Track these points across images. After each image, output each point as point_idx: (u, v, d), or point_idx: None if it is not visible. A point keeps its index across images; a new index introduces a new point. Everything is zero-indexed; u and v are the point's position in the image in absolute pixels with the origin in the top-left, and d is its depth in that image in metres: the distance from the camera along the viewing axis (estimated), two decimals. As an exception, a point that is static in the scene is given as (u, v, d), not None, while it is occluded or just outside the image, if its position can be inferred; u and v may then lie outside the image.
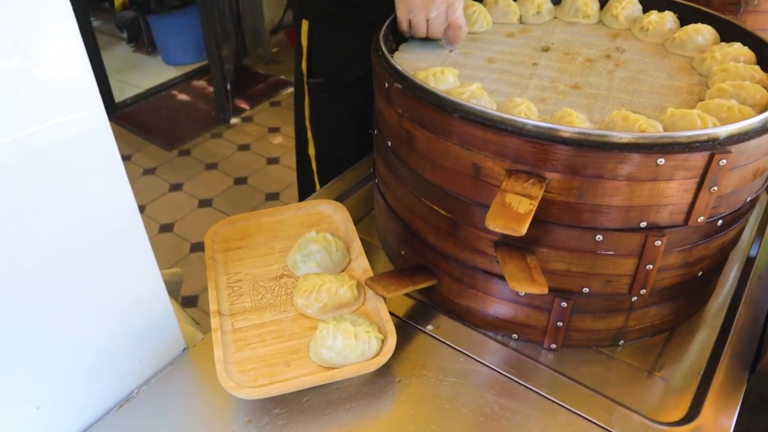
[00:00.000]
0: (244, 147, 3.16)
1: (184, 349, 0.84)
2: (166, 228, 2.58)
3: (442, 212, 0.81)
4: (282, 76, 3.82)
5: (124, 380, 0.77)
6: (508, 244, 0.76)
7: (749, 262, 1.03)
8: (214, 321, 0.80)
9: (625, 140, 0.68)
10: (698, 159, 0.68)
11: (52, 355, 0.68)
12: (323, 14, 1.32)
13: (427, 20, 0.97)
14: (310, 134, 1.47)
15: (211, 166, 3.00)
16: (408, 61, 0.96)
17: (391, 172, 0.89)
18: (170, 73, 3.85)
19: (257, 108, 3.51)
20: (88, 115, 0.62)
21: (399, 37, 1.03)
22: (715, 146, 0.69)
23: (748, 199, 0.79)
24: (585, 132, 0.68)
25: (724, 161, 0.69)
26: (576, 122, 0.73)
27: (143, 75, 3.85)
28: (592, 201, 0.71)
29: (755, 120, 0.72)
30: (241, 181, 2.90)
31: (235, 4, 3.77)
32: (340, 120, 1.40)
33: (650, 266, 0.76)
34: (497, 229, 0.64)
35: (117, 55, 4.11)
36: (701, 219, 0.74)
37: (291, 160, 2.99)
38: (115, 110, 3.50)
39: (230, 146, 3.17)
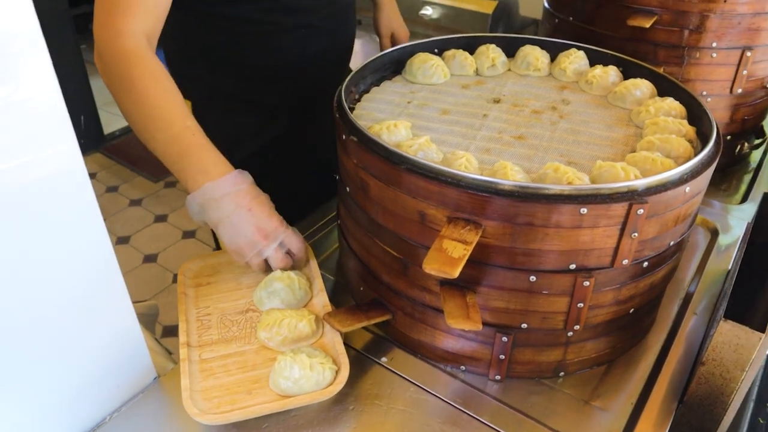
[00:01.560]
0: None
1: (155, 378, 0.90)
2: (150, 258, 2.63)
3: (394, 253, 0.89)
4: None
5: (96, 407, 0.83)
6: (451, 283, 0.84)
7: (687, 298, 1.11)
8: (183, 352, 0.86)
9: (552, 192, 0.76)
10: (618, 209, 0.77)
11: (27, 384, 0.74)
12: (205, 94, 1.28)
13: (266, 260, 0.97)
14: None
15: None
16: (369, 112, 1.05)
17: (350, 215, 0.97)
18: (159, 105, 3.93)
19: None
20: (61, 153, 0.68)
21: (362, 89, 1.12)
22: (633, 197, 0.77)
23: (672, 243, 0.87)
24: (516, 185, 0.76)
25: (642, 210, 0.77)
26: (510, 175, 0.81)
27: (132, 107, 3.92)
28: (524, 246, 0.79)
29: (672, 173, 0.81)
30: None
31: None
32: None
33: (581, 304, 0.84)
34: (432, 273, 0.71)
35: (102, 86, 4.19)
36: (626, 262, 0.82)
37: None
38: (104, 142, 3.57)
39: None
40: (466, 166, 0.84)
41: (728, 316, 0.82)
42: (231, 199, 0.93)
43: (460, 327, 0.77)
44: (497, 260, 0.80)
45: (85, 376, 0.80)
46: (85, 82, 3.41)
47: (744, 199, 1.40)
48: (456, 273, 0.71)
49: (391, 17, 1.63)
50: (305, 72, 1.29)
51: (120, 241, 2.70)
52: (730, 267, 1.15)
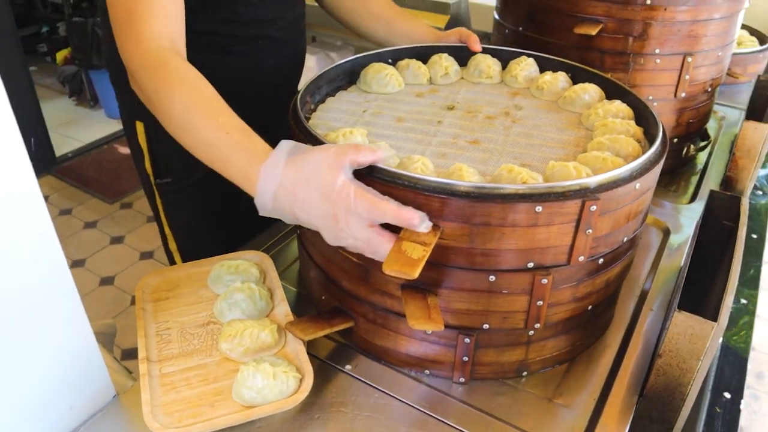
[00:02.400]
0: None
1: (114, 396, 0.88)
2: (107, 281, 2.58)
3: (354, 260, 0.89)
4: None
5: (55, 427, 0.81)
6: (411, 286, 0.84)
7: (643, 296, 1.14)
8: (142, 367, 0.85)
9: (507, 192, 0.78)
10: (572, 206, 0.78)
11: (-20, 406, 0.71)
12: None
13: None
14: (168, 231, 1.42)
15: (153, 219, 3.01)
16: (324, 121, 1.05)
17: (310, 223, 0.97)
18: (112, 126, 3.88)
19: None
20: (14, 174, 0.67)
21: (317, 99, 1.13)
22: (586, 194, 0.79)
23: (625, 239, 0.90)
24: (473, 185, 0.77)
25: (595, 207, 0.79)
26: (466, 176, 0.83)
27: (85, 129, 3.86)
28: (482, 246, 0.80)
29: (622, 170, 0.83)
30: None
31: (178, 59, 3.84)
32: (196, 216, 1.37)
33: (540, 302, 0.85)
34: (392, 274, 0.71)
35: (58, 108, 4.12)
36: (582, 258, 0.84)
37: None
38: (55, 164, 3.49)
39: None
40: (422, 169, 0.85)
41: (682, 309, 0.84)
42: (279, 191, 0.80)
43: (422, 328, 0.77)
44: (456, 261, 0.81)
45: (42, 395, 0.78)
46: (35, 104, 3.34)
47: (692, 199, 1.45)
48: (416, 274, 0.71)
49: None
50: (261, 84, 1.30)
51: (75, 265, 2.63)
52: (682, 263, 1.19)
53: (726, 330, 1.12)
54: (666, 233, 1.30)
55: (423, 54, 1.27)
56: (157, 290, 1.00)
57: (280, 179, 0.79)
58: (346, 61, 1.20)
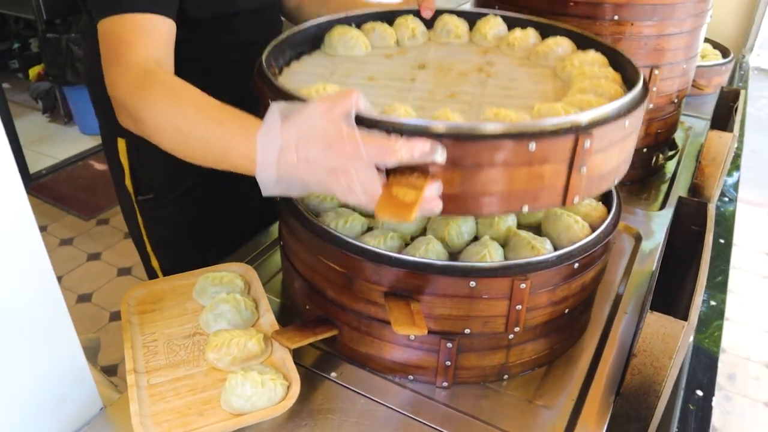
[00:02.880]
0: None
1: (102, 409, 0.89)
2: (85, 298, 2.55)
3: (338, 268, 0.91)
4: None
5: (40, 441, 0.81)
6: (395, 294, 0.87)
7: (618, 300, 1.18)
8: (130, 378, 0.86)
9: (498, 130, 0.74)
10: (566, 142, 0.77)
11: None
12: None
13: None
14: (150, 249, 1.43)
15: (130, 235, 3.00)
16: (291, 83, 1.01)
17: (292, 234, 0.99)
18: (87, 143, 3.85)
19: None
20: (4, 190, 0.68)
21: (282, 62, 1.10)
22: (579, 130, 0.77)
23: (616, 180, 0.91)
24: (462, 125, 0.74)
25: (589, 143, 0.78)
26: (452, 119, 0.84)
27: (59, 145, 3.83)
28: (473, 189, 0.77)
29: (612, 106, 0.82)
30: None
31: (153, 75, 3.84)
32: (177, 231, 1.38)
33: (519, 306, 0.88)
34: (386, 218, 0.70)
35: (32, 125, 4.08)
36: (577, 199, 0.82)
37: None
38: (30, 181, 3.46)
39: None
40: (406, 116, 0.85)
41: (654, 310, 0.88)
42: (281, 156, 0.76)
43: (406, 333, 0.80)
44: (448, 208, 0.77)
45: (29, 408, 0.79)
46: (8, 121, 3.31)
47: (662, 206, 1.50)
48: (412, 217, 0.69)
49: None
50: (248, 103, 1.31)
51: (51, 283, 2.59)
52: (654, 268, 1.23)
53: (697, 332, 1.17)
54: (638, 239, 1.35)
55: (388, 17, 1.25)
56: (142, 303, 1.01)
57: (280, 142, 0.74)
58: (309, 26, 1.15)
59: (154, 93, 0.89)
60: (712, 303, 1.24)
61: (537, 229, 1.04)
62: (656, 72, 1.42)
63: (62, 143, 3.85)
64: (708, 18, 1.54)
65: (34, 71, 4.19)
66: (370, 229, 1.00)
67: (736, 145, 1.73)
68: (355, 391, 0.94)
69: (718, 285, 1.31)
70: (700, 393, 1.03)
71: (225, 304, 0.95)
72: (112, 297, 2.58)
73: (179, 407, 0.83)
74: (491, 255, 0.90)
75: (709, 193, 1.53)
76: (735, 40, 2.75)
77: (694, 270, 1.00)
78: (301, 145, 0.74)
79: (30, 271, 0.74)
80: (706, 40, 2.47)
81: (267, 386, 0.82)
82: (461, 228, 0.97)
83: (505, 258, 0.94)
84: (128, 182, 1.34)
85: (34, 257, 0.74)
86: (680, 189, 1.56)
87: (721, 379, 2.26)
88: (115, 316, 2.46)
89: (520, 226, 1.03)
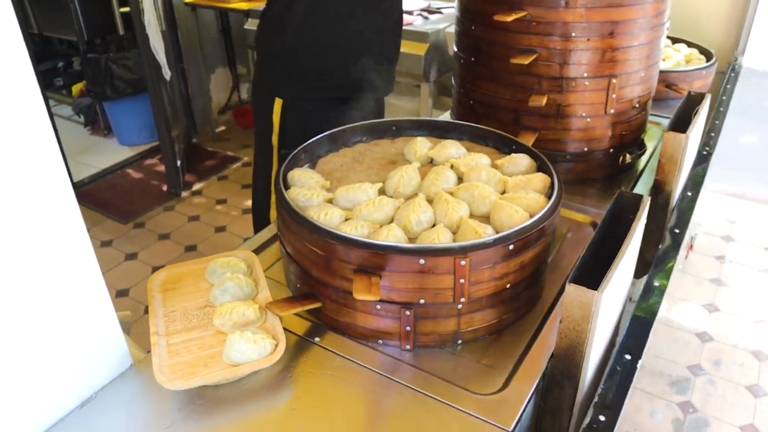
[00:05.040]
0: (194, 218, 3.45)
1: (131, 365, 1.12)
2: (123, 293, 2.82)
3: (319, 251, 1.13)
4: (229, 153, 4.15)
5: (84, 387, 1.05)
6: (361, 270, 1.08)
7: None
8: (153, 339, 1.09)
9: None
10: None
11: (33, 368, 0.95)
12: (297, 94, 1.68)
13: None
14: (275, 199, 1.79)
15: (164, 237, 3.27)
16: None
17: (286, 226, 1.21)
18: (125, 153, 4.16)
19: (206, 182, 3.82)
20: (59, 186, 0.92)
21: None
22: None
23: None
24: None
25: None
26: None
27: (100, 156, 4.14)
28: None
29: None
30: (191, 248, 3.18)
31: (185, 89, 4.13)
32: None
33: (462, 280, 1.08)
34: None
35: (74, 137, 4.40)
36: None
37: (237, 228, 3.29)
38: (73, 189, 3.76)
39: (181, 218, 3.46)
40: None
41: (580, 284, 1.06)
42: None
43: (363, 298, 1.01)
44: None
45: (77, 362, 1.02)
46: (54, 135, 3.61)
47: (624, 201, 1.67)
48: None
49: None
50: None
51: (93, 281, 2.87)
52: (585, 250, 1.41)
53: (637, 306, 1.35)
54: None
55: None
56: (164, 283, 1.24)
57: None
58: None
59: None
60: (656, 284, 1.42)
61: (487, 219, 1.24)
62: (614, 81, 1.61)
63: (102, 154, 4.16)
64: (665, 30, 1.72)
65: (76, 88, 4.53)
66: (347, 219, 1.22)
67: (698, 144, 1.90)
68: (334, 352, 1.15)
69: (667, 270, 1.48)
70: (628, 356, 1.21)
71: (230, 282, 1.18)
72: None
73: (190, 360, 1.05)
74: (440, 238, 1.11)
75: (670, 188, 1.70)
76: (728, 44, 2.88)
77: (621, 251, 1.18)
78: None
79: (76, 255, 0.97)
80: (693, 45, 2.62)
81: (258, 344, 1.04)
82: (420, 217, 1.17)
83: (454, 241, 1.15)
84: (274, 138, 1.72)
85: (79, 245, 0.97)
86: (643, 184, 1.74)
87: (706, 364, 2.40)
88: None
89: (472, 216, 1.23)
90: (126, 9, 3.10)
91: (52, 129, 0.91)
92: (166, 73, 3.25)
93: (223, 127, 4.47)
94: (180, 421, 1.02)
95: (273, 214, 1.85)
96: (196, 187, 3.77)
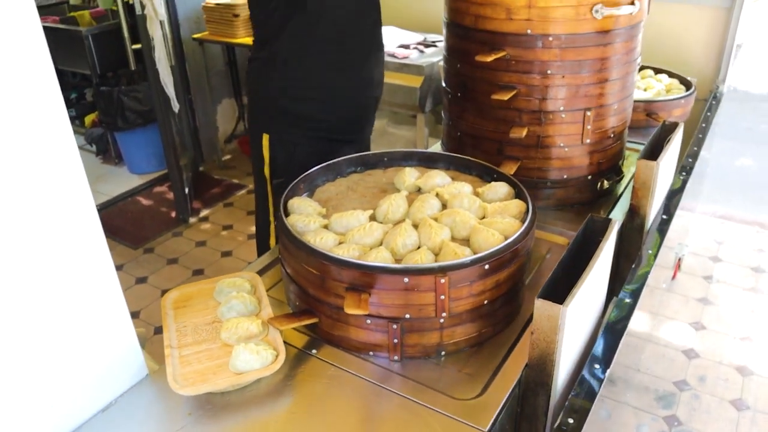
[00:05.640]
0: (201, 243, 3.60)
1: (147, 375, 1.25)
2: (133, 315, 2.96)
3: (315, 272, 1.26)
4: (235, 180, 4.31)
5: (106, 393, 1.17)
6: (352, 288, 1.21)
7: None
8: (167, 350, 1.22)
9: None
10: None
11: (60, 376, 1.08)
12: (282, 128, 1.82)
13: None
14: (272, 228, 1.94)
15: (172, 261, 3.41)
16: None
17: (286, 249, 1.34)
18: (135, 181, 4.32)
19: (213, 209, 3.97)
20: (82, 203, 1.06)
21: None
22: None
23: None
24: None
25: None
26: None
27: (111, 184, 4.30)
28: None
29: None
30: (198, 272, 3.32)
31: (192, 120, 4.30)
32: None
33: (443, 296, 1.21)
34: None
35: (87, 166, 4.50)
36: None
37: (243, 253, 3.43)
38: (85, 217, 3.91)
39: (189, 243, 3.60)
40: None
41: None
42: None
43: (352, 312, 1.14)
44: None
45: (98, 371, 1.15)
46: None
47: (601, 224, 1.80)
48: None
49: None
50: None
51: (105, 304, 3.01)
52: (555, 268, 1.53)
53: (609, 320, 1.47)
54: (573, 251, 1.65)
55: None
56: (176, 301, 1.37)
57: None
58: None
59: None
60: (627, 300, 1.54)
61: (467, 242, 1.37)
62: (589, 113, 1.75)
63: (113, 182, 4.32)
64: (637, 65, 1.87)
65: (89, 118, 4.71)
66: (341, 243, 1.35)
67: (674, 170, 2.03)
68: (329, 363, 1.28)
69: (636, 291, 1.60)
70: (597, 366, 1.33)
71: (235, 300, 1.31)
72: (157, 315, 2.98)
73: (200, 369, 1.18)
74: (422, 259, 1.24)
75: (644, 212, 1.83)
76: (710, 73, 3.03)
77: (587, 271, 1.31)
78: None
79: (98, 275, 1.11)
80: (674, 75, 2.77)
81: (261, 354, 1.17)
82: (406, 241, 1.31)
83: (436, 262, 1.28)
84: (266, 170, 1.86)
85: (100, 261, 1.11)
86: (620, 209, 1.87)
87: (692, 380, 2.51)
88: (159, 331, 2.85)
89: (454, 239, 1.36)
90: (138, 46, 3.27)
91: (79, 156, 1.05)
92: (175, 106, 3.41)
93: (229, 156, 4.63)
94: (190, 424, 1.14)
95: (272, 240, 1.98)
96: (203, 213, 3.92)
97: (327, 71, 1.80)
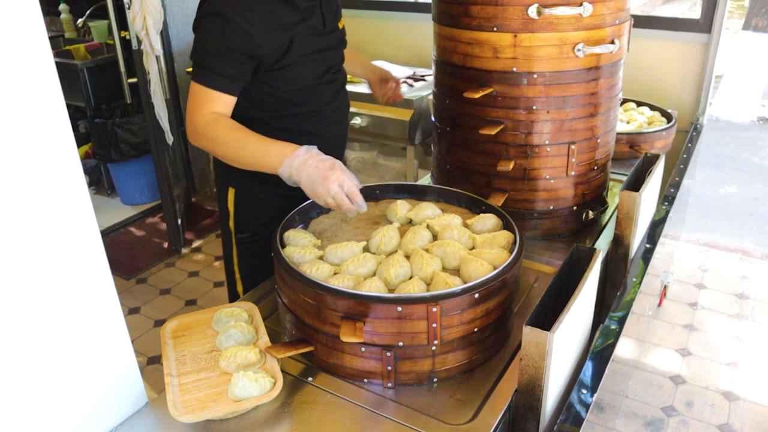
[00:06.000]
0: (194, 273, 3.62)
1: (146, 403, 1.28)
2: (126, 347, 2.97)
3: (311, 301, 1.30)
4: (228, 210, 4.35)
5: (107, 420, 1.20)
6: (347, 317, 1.25)
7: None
8: (167, 379, 1.25)
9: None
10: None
11: (65, 404, 1.12)
12: (247, 184, 1.81)
13: (333, 198, 1.45)
14: (238, 276, 1.94)
15: (165, 291, 3.43)
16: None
17: (282, 280, 1.39)
18: (128, 212, 4.35)
19: (205, 239, 4.01)
20: (87, 232, 1.10)
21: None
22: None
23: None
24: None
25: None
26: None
27: (104, 215, 4.33)
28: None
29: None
30: (191, 302, 3.34)
31: (185, 151, 4.35)
32: (263, 263, 1.73)
33: (435, 324, 1.26)
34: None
35: (78, 198, 4.58)
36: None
37: (236, 282, 3.46)
38: (77, 247, 3.94)
39: (182, 273, 3.63)
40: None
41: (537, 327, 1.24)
42: (303, 162, 1.46)
43: (348, 340, 1.18)
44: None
45: (98, 398, 1.18)
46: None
47: (586, 253, 1.86)
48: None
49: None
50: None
51: (97, 335, 3.03)
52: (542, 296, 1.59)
53: (595, 346, 1.51)
54: (560, 279, 1.71)
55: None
56: (176, 330, 1.41)
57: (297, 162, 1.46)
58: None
59: (221, 125, 1.56)
60: (612, 327, 1.59)
61: (457, 272, 1.42)
62: (573, 147, 1.82)
63: (106, 213, 4.35)
64: (618, 100, 1.95)
65: (82, 150, 4.75)
66: (335, 273, 1.40)
67: (656, 200, 2.10)
68: (325, 390, 1.32)
69: (622, 318, 1.65)
70: (584, 391, 1.38)
71: (233, 329, 1.35)
72: (150, 345, 2.99)
73: (200, 397, 1.22)
74: (414, 289, 1.29)
75: (628, 241, 1.89)
76: (690, 105, 3.13)
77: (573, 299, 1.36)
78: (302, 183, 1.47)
79: (101, 303, 1.15)
80: (656, 108, 2.87)
81: (259, 381, 1.21)
82: (398, 271, 1.36)
83: (427, 291, 1.32)
84: (231, 223, 1.86)
85: (103, 287, 1.15)
86: (605, 238, 1.93)
87: (679, 405, 2.55)
88: (152, 361, 2.87)
89: (444, 269, 1.41)
90: (134, 79, 3.34)
91: (86, 187, 1.10)
92: (169, 138, 3.47)
93: (221, 186, 4.69)
94: (190, 451, 1.18)
95: (239, 287, 1.96)
96: (196, 244, 3.96)
97: (291, 133, 1.74)
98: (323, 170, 1.43)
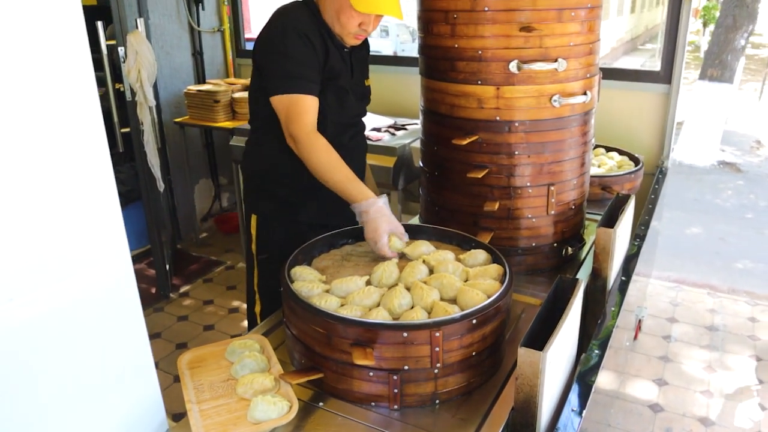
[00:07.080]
0: (183, 318, 3.68)
1: (167, 430, 1.36)
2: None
3: (321, 330, 1.41)
4: (213, 257, 4.43)
5: (133, 447, 1.28)
6: (358, 344, 1.36)
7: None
8: (188, 405, 1.34)
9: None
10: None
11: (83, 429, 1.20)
12: (267, 212, 2.01)
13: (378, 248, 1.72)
14: (258, 296, 2.11)
15: (156, 335, 3.48)
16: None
17: (292, 312, 1.50)
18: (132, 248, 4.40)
19: (193, 284, 4.07)
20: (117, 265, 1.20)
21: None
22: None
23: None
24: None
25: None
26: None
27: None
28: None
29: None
30: (181, 346, 3.39)
31: (171, 198, 4.44)
32: (278, 283, 1.83)
33: (437, 348, 1.37)
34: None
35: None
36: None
37: (225, 327, 3.52)
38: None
39: (171, 318, 3.68)
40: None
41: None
42: (367, 211, 1.72)
43: (362, 363, 1.29)
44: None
45: (123, 425, 1.26)
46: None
47: (568, 285, 2.00)
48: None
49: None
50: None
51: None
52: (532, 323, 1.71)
53: (580, 371, 1.64)
54: (545, 310, 1.84)
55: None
56: (191, 362, 1.50)
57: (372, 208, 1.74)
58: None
59: (320, 148, 1.80)
60: (596, 351, 1.72)
61: (454, 301, 1.54)
62: (552, 188, 1.98)
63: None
64: (591, 145, 2.12)
65: (66, 199, 4.80)
66: (343, 305, 1.51)
67: (629, 237, 2.26)
68: (335, 413, 1.41)
69: (603, 343, 1.79)
70: (573, 410, 1.49)
71: (248, 359, 1.44)
72: (174, 366, 3.09)
73: (221, 421, 1.30)
74: (418, 316, 1.41)
75: (605, 274, 2.04)
76: (655, 150, 3.34)
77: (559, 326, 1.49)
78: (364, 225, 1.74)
79: (129, 331, 1.24)
80: (624, 152, 3.07)
81: (278, 405, 1.30)
82: (401, 302, 1.48)
83: (428, 318, 1.44)
84: (253, 246, 2.05)
85: (131, 316, 1.24)
86: (583, 272, 2.08)
87: (659, 432, 2.67)
88: (177, 379, 3.00)
89: (442, 299, 1.54)
90: (126, 129, 3.46)
91: (119, 208, 1.20)
92: (160, 186, 3.57)
93: (205, 234, 4.76)
94: (213, 472, 1.26)
95: (258, 307, 2.14)
96: (184, 289, 4.01)
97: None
98: (384, 224, 1.73)
